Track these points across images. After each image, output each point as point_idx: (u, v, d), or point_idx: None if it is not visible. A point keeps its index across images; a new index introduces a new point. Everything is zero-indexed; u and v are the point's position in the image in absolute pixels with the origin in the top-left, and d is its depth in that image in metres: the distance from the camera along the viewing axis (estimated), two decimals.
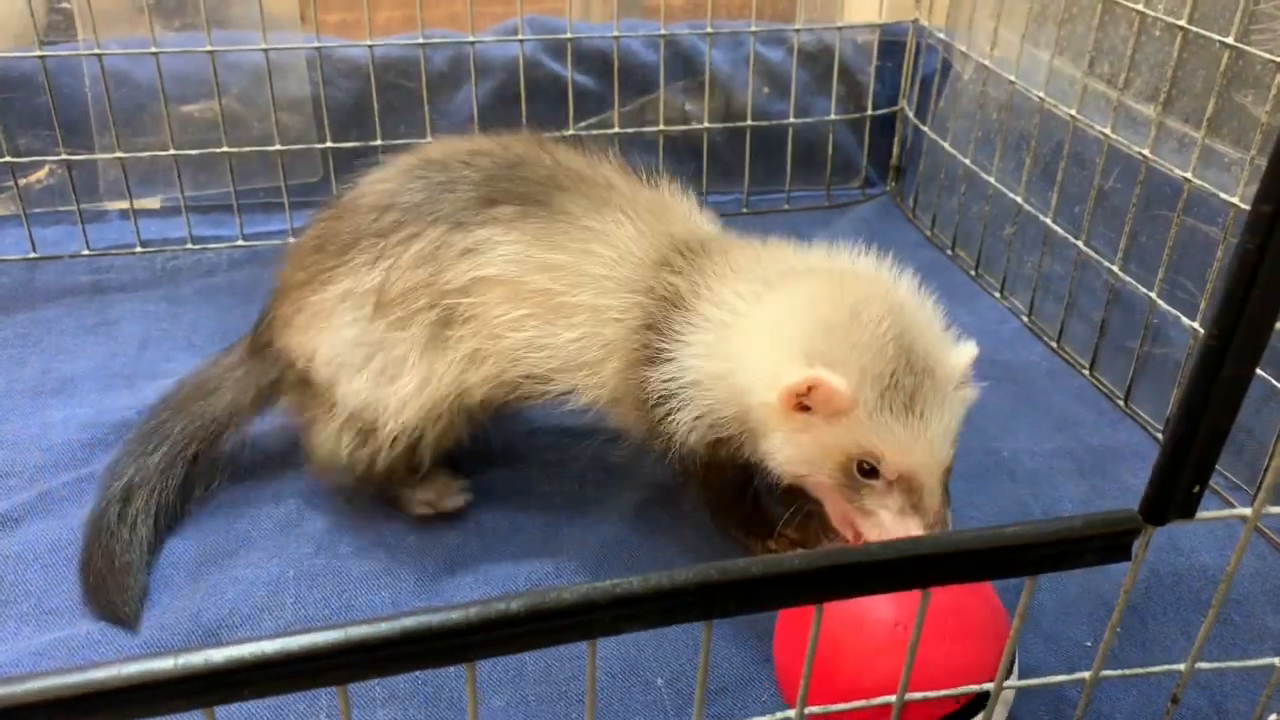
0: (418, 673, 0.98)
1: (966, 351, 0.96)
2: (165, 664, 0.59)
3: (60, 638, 1.01)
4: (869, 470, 0.90)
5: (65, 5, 1.75)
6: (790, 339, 0.92)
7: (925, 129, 1.84)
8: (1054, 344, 1.51)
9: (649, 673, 0.99)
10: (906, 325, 0.92)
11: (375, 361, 1.07)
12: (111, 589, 1.05)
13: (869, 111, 1.94)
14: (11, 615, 1.05)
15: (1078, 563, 0.70)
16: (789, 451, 0.92)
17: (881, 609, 0.85)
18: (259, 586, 1.07)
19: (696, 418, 0.98)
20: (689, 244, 1.08)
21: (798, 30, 1.85)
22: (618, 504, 1.20)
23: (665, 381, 0.99)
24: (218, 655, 0.60)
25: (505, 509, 1.19)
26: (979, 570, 0.70)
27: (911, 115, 1.91)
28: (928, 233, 1.84)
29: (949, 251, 1.77)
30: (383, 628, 0.63)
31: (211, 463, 1.19)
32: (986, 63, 1.63)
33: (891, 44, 1.92)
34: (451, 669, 0.89)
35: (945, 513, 0.92)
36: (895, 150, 1.98)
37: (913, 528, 0.89)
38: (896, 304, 0.94)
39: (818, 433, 0.90)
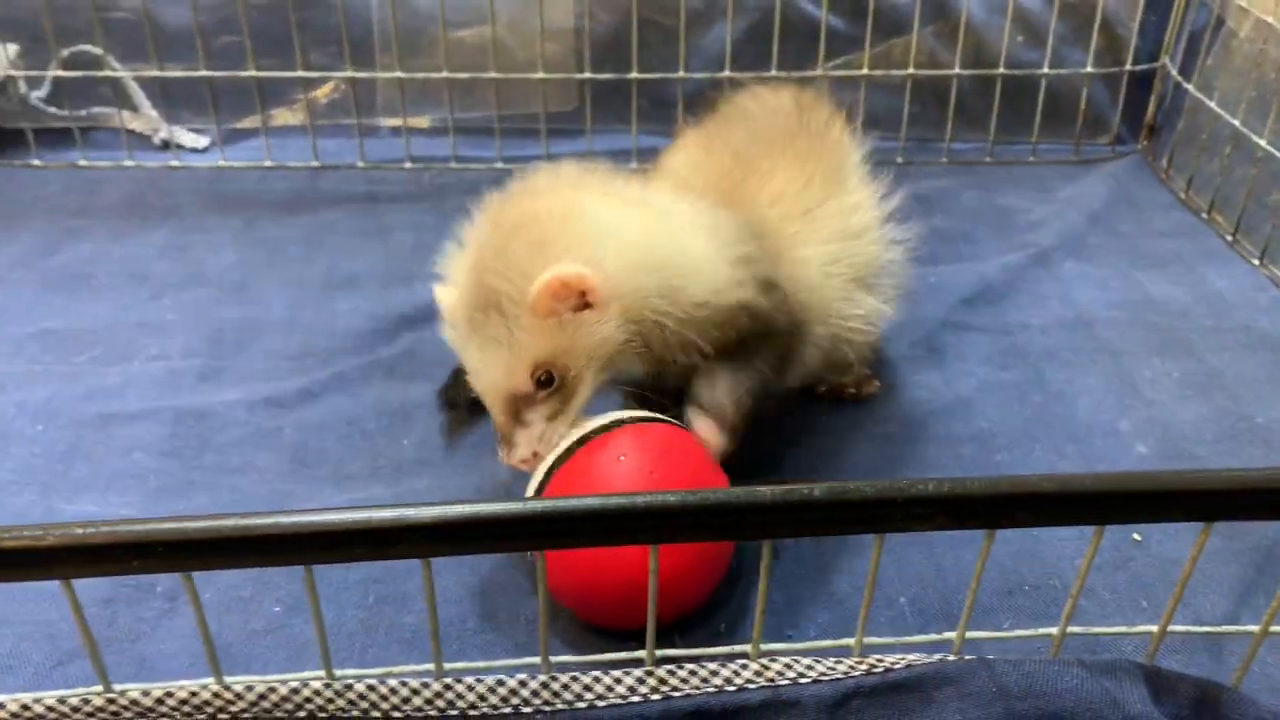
0: None
1: (548, 275, 0.91)
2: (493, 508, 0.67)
3: (358, 498, 1.14)
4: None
5: None
6: None
7: (1189, 87, 1.77)
8: None
9: (893, 592, 1.04)
10: (495, 247, 0.95)
11: None
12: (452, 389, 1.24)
13: (1128, 66, 1.87)
14: (314, 477, 1.18)
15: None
16: None
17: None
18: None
19: None
20: None
21: None
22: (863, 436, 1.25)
23: None
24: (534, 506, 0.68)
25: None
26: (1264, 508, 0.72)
27: (1174, 72, 1.84)
28: (1181, 194, 1.78)
29: (1204, 215, 1.71)
30: (701, 496, 0.70)
31: None
32: (1270, 19, 1.55)
33: None
34: None
35: (515, 435, 0.95)
36: (1152, 107, 1.92)
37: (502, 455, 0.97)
38: (501, 222, 0.97)
39: None
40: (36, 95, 1.84)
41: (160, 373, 1.33)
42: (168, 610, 1.01)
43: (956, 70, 1.84)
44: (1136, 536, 1.10)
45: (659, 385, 1.05)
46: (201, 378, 1.33)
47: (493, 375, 0.94)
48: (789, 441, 1.23)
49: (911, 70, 1.83)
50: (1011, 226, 1.68)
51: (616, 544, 0.71)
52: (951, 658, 0.81)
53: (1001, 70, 1.83)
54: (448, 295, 0.99)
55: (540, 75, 1.79)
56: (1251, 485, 0.69)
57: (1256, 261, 1.58)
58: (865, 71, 1.82)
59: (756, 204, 1.11)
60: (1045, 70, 1.83)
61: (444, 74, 1.78)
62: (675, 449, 0.98)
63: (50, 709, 0.79)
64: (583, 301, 0.93)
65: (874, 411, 1.27)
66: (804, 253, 1.10)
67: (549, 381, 0.94)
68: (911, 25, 1.81)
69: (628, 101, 1.81)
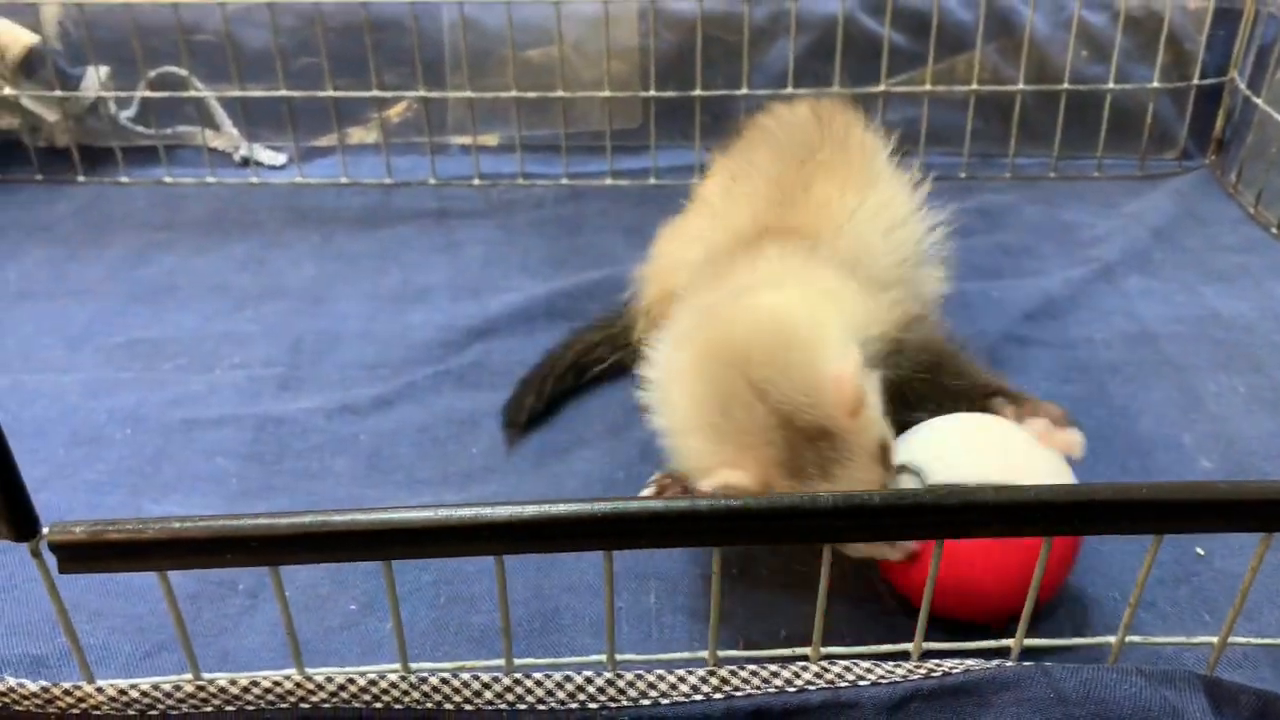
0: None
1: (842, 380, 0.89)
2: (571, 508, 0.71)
3: (427, 502, 1.17)
4: None
5: None
6: None
7: (1258, 101, 1.75)
8: None
9: None
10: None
11: None
12: (514, 409, 1.28)
13: (1194, 81, 1.86)
14: (389, 482, 1.22)
15: None
16: None
17: None
18: (594, 481, 1.20)
19: None
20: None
21: None
22: None
23: None
24: (604, 506, 0.71)
25: None
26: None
27: (1243, 86, 1.83)
28: (1250, 210, 1.76)
29: (1273, 230, 1.70)
30: (755, 503, 0.73)
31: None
32: None
33: (1226, 11, 1.84)
34: None
35: None
36: (1220, 122, 1.90)
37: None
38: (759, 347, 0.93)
39: None
40: (125, 115, 1.92)
41: (242, 381, 1.39)
42: (249, 607, 1.05)
43: (1020, 86, 1.84)
44: (1200, 551, 1.10)
45: None
46: (281, 386, 1.38)
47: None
48: None
49: (974, 86, 1.83)
50: (1075, 241, 1.68)
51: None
52: (1010, 664, 0.82)
53: (1066, 85, 1.83)
54: (736, 476, 0.88)
55: (606, 94, 1.83)
56: None
57: None
58: (928, 88, 1.83)
59: (803, 224, 1.14)
60: (1110, 85, 1.83)
61: (513, 93, 1.83)
62: None
63: (144, 694, 0.84)
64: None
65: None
66: (863, 246, 1.14)
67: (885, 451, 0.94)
68: (974, 42, 1.82)
69: (691, 118, 1.84)
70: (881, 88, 1.82)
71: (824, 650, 0.84)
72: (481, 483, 1.22)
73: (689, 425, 0.93)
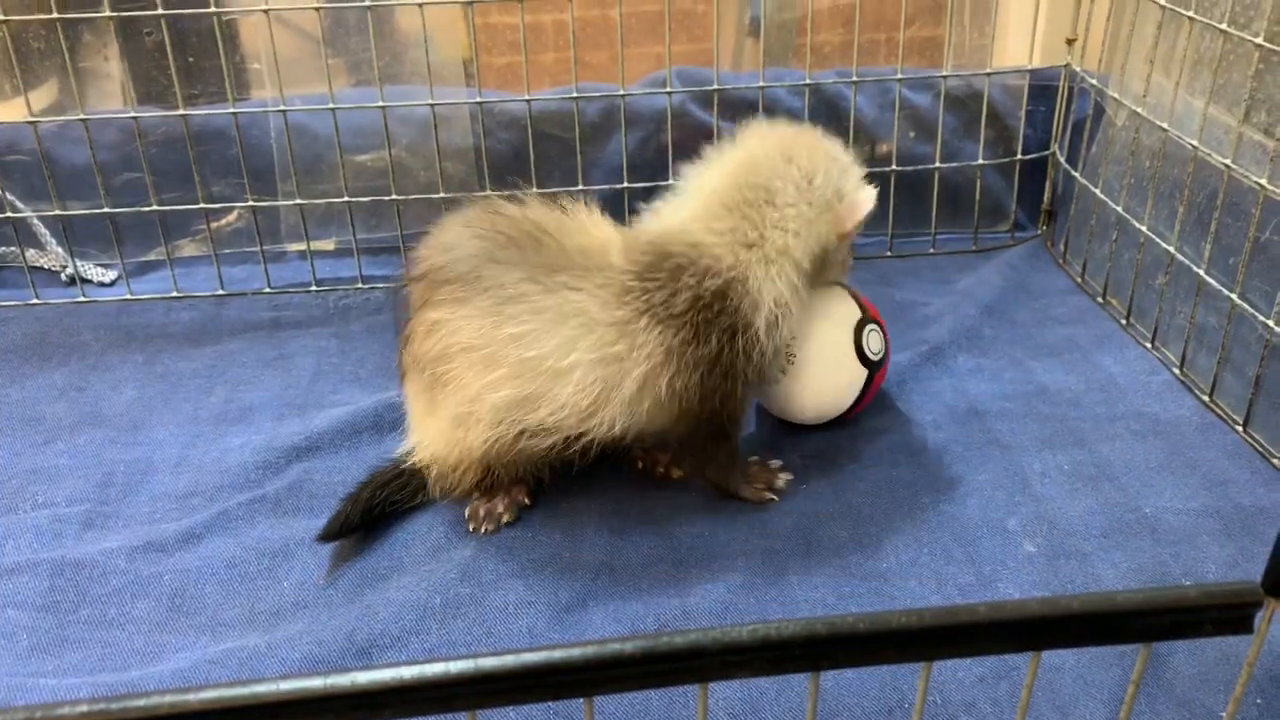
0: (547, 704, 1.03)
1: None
2: (315, 683, 0.66)
3: (231, 648, 1.11)
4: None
5: (256, 66, 1.92)
6: None
7: (1076, 175, 1.81)
8: (1206, 398, 1.47)
9: (769, 715, 1.02)
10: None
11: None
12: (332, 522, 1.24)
13: (1019, 156, 1.92)
14: (190, 625, 1.16)
15: (1194, 633, 0.70)
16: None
17: None
18: (408, 610, 1.15)
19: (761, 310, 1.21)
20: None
21: (945, 76, 1.85)
22: (745, 549, 1.24)
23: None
24: (362, 678, 0.67)
25: (639, 547, 1.24)
26: (1090, 635, 0.71)
27: (1063, 160, 1.89)
28: (1078, 279, 1.81)
29: (1099, 299, 1.74)
30: (509, 661, 0.69)
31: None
32: (1139, 110, 1.60)
33: (1043, 88, 1.90)
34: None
35: None
36: (1046, 195, 1.96)
37: None
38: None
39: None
40: None
41: (44, 522, 1.31)
42: None
43: None
44: None
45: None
46: (85, 525, 1.31)
47: None
48: (670, 560, 1.22)
49: None
50: (908, 321, 1.69)
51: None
52: None
53: (894, 167, 1.86)
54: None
55: (441, 195, 1.81)
56: (1061, 613, 0.69)
57: (1148, 345, 1.60)
58: None
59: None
60: (938, 164, 1.87)
61: (345, 199, 1.80)
62: None
63: None
64: None
65: (763, 525, 1.27)
66: None
67: None
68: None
69: None
70: None
71: None
72: (291, 620, 1.15)
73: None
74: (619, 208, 1.84)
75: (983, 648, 0.72)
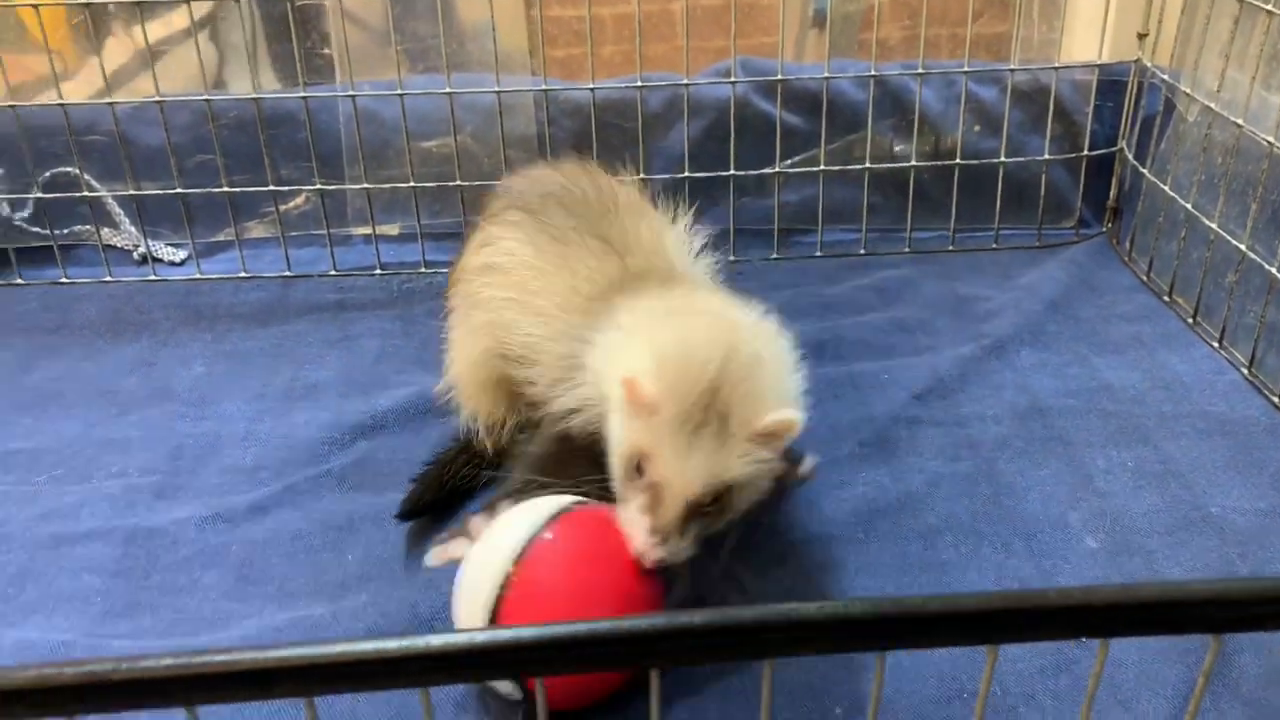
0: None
1: (778, 415, 1.00)
2: (391, 645, 0.68)
3: (297, 617, 1.14)
4: (639, 469, 1.00)
5: (325, 51, 1.95)
6: (646, 354, 1.03)
7: (1145, 171, 1.78)
8: (1276, 399, 1.44)
9: (830, 700, 1.02)
10: (731, 374, 1.00)
11: None
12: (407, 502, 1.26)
13: (1085, 152, 1.90)
14: (257, 595, 1.18)
15: (1271, 625, 0.70)
16: (612, 432, 1.05)
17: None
18: None
19: (584, 397, 1.12)
20: (642, 273, 1.19)
21: (1012, 70, 1.84)
22: (803, 537, 1.24)
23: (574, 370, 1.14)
24: (436, 641, 0.68)
25: None
26: (1160, 624, 0.71)
27: (1131, 157, 1.86)
28: (1143, 277, 1.78)
29: (1165, 298, 1.71)
30: (579, 629, 0.70)
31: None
32: (1212, 105, 1.57)
33: (1112, 84, 1.88)
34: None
35: (675, 535, 0.99)
36: (1113, 192, 1.93)
37: (640, 525, 0.99)
38: (735, 352, 1.01)
39: (629, 423, 1.01)
40: (19, 216, 1.89)
41: (117, 491, 1.35)
42: None
43: (913, 162, 1.86)
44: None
45: None
46: (157, 495, 1.34)
47: (692, 475, 0.99)
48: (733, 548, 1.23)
49: (869, 164, 1.85)
50: (970, 315, 1.68)
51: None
52: None
53: (958, 160, 1.85)
54: (653, 389, 1.00)
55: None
56: (1135, 600, 0.69)
57: (1215, 344, 1.58)
58: (822, 167, 1.85)
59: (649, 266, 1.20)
60: (1002, 159, 1.85)
61: (410, 184, 1.82)
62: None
63: None
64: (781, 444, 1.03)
65: (821, 513, 1.27)
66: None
67: (716, 501, 1.01)
68: (867, 121, 1.84)
69: None
70: (776, 169, 1.84)
71: None
72: (355, 592, 1.18)
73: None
74: (680, 197, 1.84)
75: (1051, 633, 0.72)
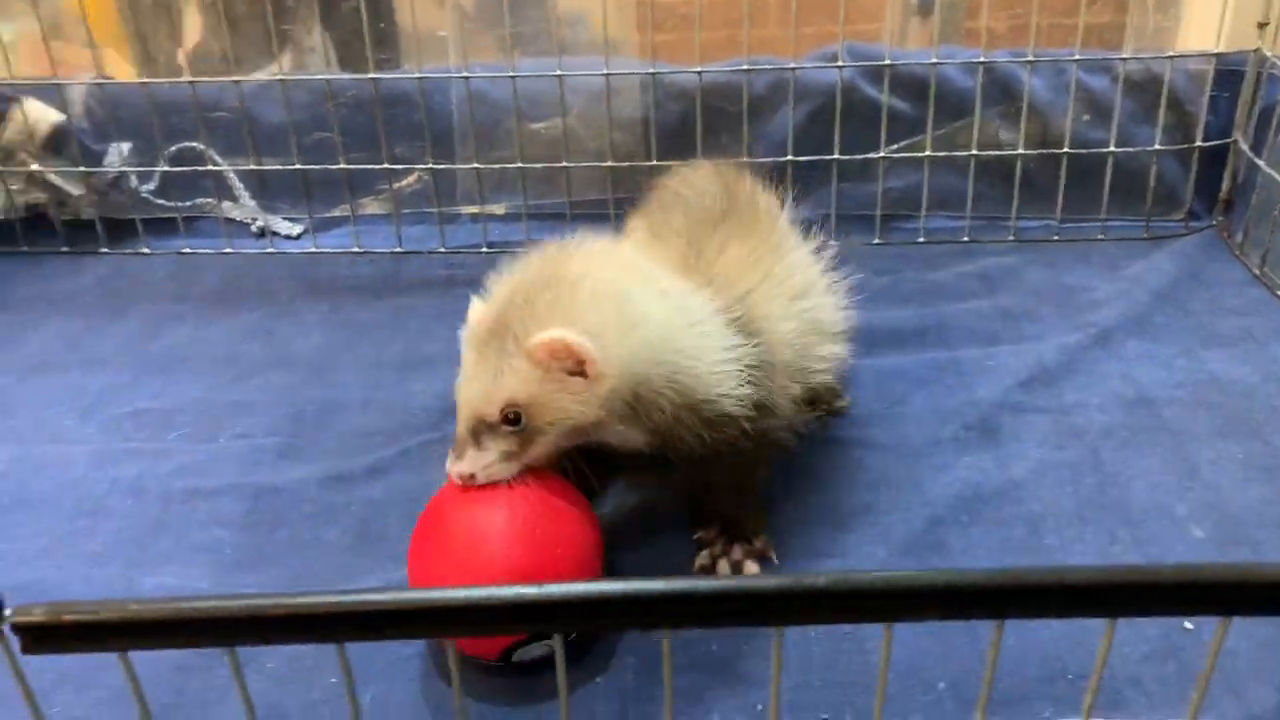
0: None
1: (544, 335, 0.98)
2: (530, 591, 0.72)
3: None
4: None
5: (441, 34, 2.00)
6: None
7: (1261, 164, 1.75)
8: None
9: (931, 676, 1.04)
10: (518, 294, 1.03)
11: None
12: None
13: (1198, 143, 1.86)
14: (376, 552, 1.24)
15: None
16: None
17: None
18: None
19: None
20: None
21: (1124, 59, 1.81)
22: (906, 517, 1.26)
23: None
24: (556, 590, 0.72)
25: (799, 507, 1.27)
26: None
27: (1246, 148, 1.82)
28: (1256, 271, 1.75)
29: (1278, 292, 1.68)
30: (704, 585, 0.73)
31: None
32: None
33: (1228, 74, 1.84)
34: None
35: (469, 449, 1.02)
36: (1225, 184, 1.89)
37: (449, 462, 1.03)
38: (533, 275, 1.05)
39: None
40: (146, 189, 1.98)
41: (243, 450, 1.42)
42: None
43: (1020, 150, 1.85)
44: (1188, 625, 1.08)
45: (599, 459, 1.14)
46: (280, 455, 1.41)
47: (471, 392, 1.03)
48: (831, 522, 1.25)
49: (974, 151, 1.85)
50: (1076, 305, 1.67)
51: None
52: None
53: (1067, 149, 1.84)
54: (477, 310, 1.07)
55: (610, 164, 1.86)
56: (1256, 580, 0.69)
57: None
58: (928, 153, 1.85)
59: (715, 279, 1.17)
60: (1112, 148, 1.83)
61: (518, 164, 1.87)
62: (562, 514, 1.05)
63: None
64: (578, 368, 1.00)
65: (923, 493, 1.28)
66: (767, 311, 1.16)
67: (515, 421, 1.01)
68: (974, 108, 1.84)
69: None
70: (881, 154, 1.84)
71: None
72: None
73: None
74: (782, 181, 1.86)
75: (1169, 608, 0.73)
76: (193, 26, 2.25)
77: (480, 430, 1.02)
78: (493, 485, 1.02)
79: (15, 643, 0.75)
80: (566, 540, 1.03)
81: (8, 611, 0.74)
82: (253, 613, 0.73)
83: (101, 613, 0.72)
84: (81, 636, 0.73)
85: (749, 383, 1.07)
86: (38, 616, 0.73)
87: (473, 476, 1.02)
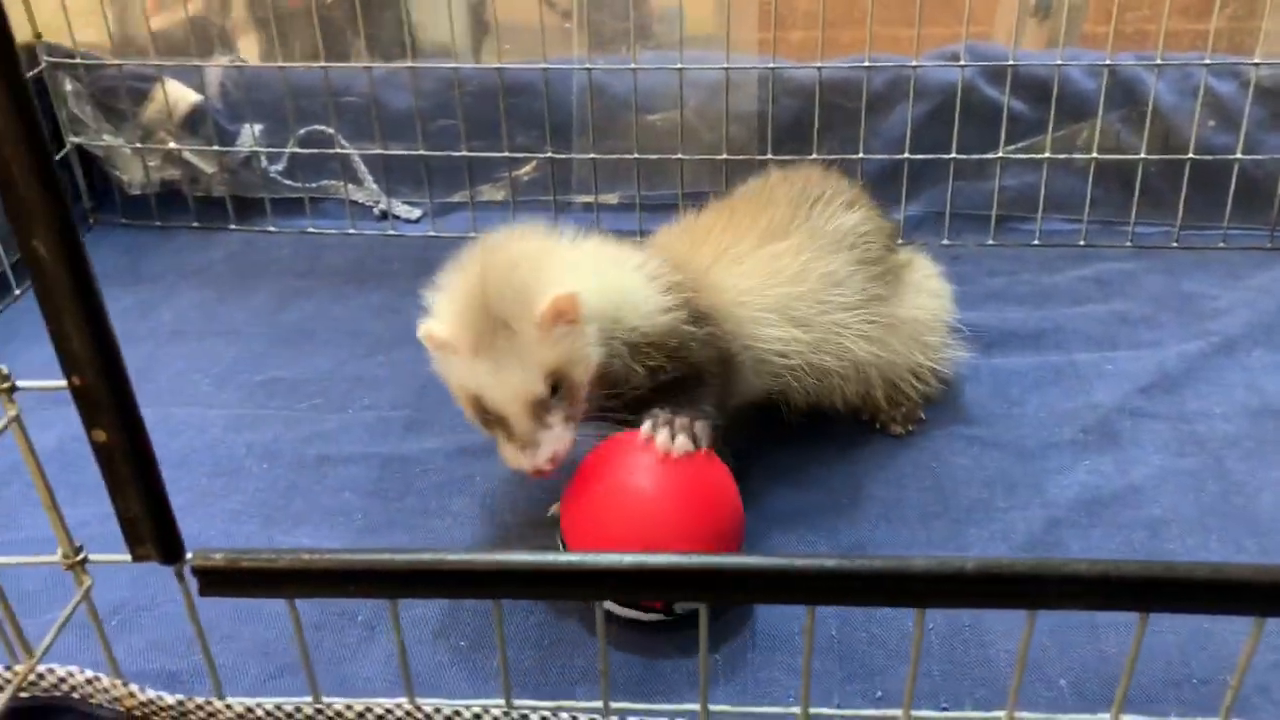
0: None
1: (545, 299, 1.04)
2: (665, 560, 0.74)
3: (537, 547, 1.22)
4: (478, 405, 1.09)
5: (567, 26, 2.04)
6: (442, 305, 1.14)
7: None
8: None
9: (1052, 672, 1.05)
10: (492, 283, 1.07)
11: None
12: None
13: None
14: (500, 523, 1.28)
15: None
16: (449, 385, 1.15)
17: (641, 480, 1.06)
18: None
19: None
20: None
21: (1256, 64, 1.78)
22: (1025, 515, 1.26)
23: None
24: (692, 561, 0.75)
25: (913, 499, 1.28)
26: None
27: None
28: None
29: None
30: (849, 563, 0.75)
31: None
32: None
33: None
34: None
35: (539, 432, 1.06)
36: None
37: (510, 451, 1.08)
38: (490, 266, 1.09)
39: (445, 370, 1.13)
40: (275, 169, 2.06)
41: (371, 421, 1.48)
42: (366, 638, 1.12)
43: (1143, 155, 1.82)
44: None
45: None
46: (406, 427, 1.46)
47: (512, 385, 1.06)
48: (951, 516, 1.26)
49: (1094, 154, 1.83)
50: (1196, 312, 1.65)
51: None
52: None
53: (1191, 155, 1.81)
54: (442, 329, 1.10)
55: (724, 157, 1.88)
56: None
57: None
58: (1047, 155, 1.83)
59: (694, 254, 1.29)
60: (1239, 155, 1.80)
61: (634, 155, 1.90)
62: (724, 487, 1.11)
63: (269, 713, 0.90)
64: (575, 317, 1.07)
65: (1042, 494, 1.28)
66: (720, 281, 1.25)
67: (556, 389, 1.07)
68: (1096, 110, 1.82)
69: None
70: (999, 154, 1.83)
71: (916, 715, 0.85)
72: None
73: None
74: (897, 178, 1.87)
75: None
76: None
77: (538, 411, 1.07)
78: (668, 453, 1.07)
79: (194, 584, 0.81)
80: (727, 516, 1.09)
81: (190, 555, 0.80)
82: (417, 567, 0.77)
83: (278, 561, 0.76)
84: (257, 582, 0.77)
85: (668, 293, 1.16)
86: (217, 561, 0.78)
87: (555, 457, 1.07)
